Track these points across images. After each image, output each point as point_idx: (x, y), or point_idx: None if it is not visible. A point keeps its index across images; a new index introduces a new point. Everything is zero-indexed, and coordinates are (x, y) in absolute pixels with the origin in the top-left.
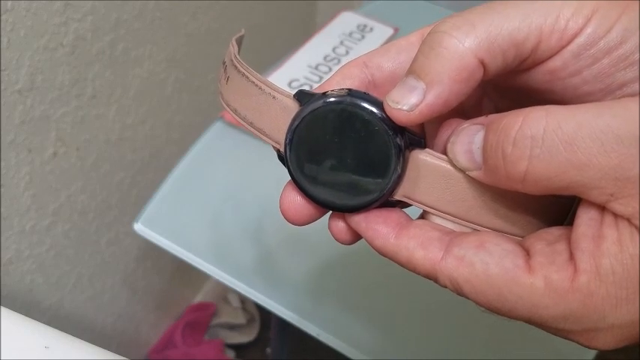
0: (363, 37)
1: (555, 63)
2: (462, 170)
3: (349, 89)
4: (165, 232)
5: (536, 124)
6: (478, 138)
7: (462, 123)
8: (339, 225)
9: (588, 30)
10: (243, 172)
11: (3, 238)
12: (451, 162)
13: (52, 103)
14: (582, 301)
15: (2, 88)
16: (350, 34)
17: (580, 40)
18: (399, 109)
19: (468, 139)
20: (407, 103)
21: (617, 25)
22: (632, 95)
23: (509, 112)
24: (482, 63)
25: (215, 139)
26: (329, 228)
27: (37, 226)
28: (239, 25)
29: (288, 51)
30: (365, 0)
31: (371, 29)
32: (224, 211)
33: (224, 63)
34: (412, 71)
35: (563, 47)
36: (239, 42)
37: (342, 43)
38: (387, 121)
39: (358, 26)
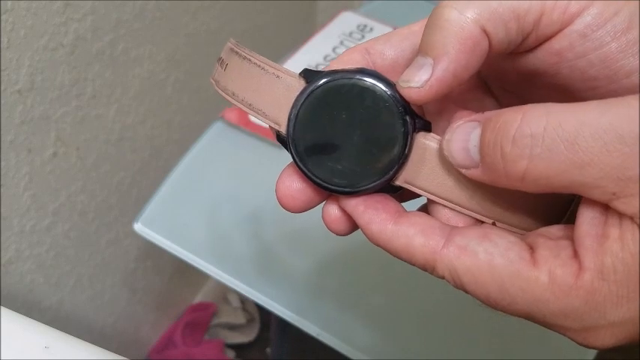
0: (363, 37)
1: (562, 43)
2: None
3: (360, 67)
4: (165, 232)
5: (536, 122)
6: (474, 135)
7: (456, 120)
8: (334, 212)
9: (594, 10)
10: (243, 172)
11: (3, 238)
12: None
13: (52, 103)
14: (584, 298)
15: (2, 88)
16: (350, 34)
17: (586, 19)
18: (410, 86)
19: (463, 137)
20: (417, 80)
21: (624, 9)
22: (638, 84)
23: (506, 109)
24: (486, 32)
25: (215, 139)
26: (322, 216)
27: (37, 226)
28: (239, 25)
29: (288, 51)
30: (365, 0)
31: (371, 29)
32: (224, 211)
33: (220, 58)
34: (420, 50)
35: (568, 25)
36: None
37: (342, 43)
38: (398, 99)
39: (358, 26)
